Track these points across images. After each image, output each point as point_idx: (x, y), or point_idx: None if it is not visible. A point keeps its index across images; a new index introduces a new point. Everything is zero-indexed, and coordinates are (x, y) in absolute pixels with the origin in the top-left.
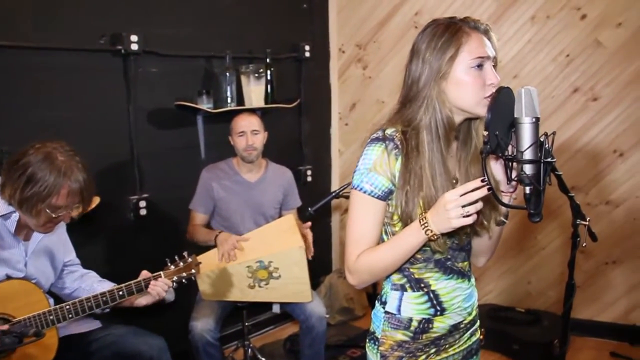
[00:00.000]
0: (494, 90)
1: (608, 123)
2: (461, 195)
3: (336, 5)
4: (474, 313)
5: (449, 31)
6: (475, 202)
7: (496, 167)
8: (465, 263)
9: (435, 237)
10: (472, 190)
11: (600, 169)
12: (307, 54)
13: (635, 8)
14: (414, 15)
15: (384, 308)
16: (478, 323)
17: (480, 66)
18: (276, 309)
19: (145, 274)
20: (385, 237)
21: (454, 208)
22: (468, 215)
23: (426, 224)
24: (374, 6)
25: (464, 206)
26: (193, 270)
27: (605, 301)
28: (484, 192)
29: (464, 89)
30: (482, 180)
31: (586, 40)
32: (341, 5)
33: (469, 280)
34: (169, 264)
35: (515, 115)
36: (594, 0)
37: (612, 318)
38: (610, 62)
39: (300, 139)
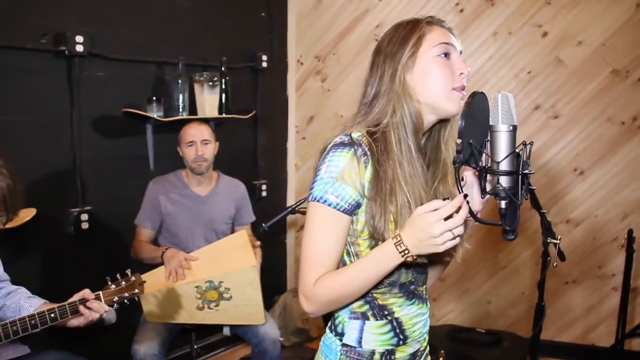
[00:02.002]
0: (464, 81)
1: (569, 141)
2: (446, 218)
3: (295, 15)
4: (427, 338)
5: (411, 24)
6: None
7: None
8: (424, 287)
9: (414, 259)
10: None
11: (560, 187)
12: (264, 64)
13: (595, 27)
14: (374, 28)
15: (340, 340)
16: (428, 347)
17: (447, 55)
18: (227, 331)
19: (83, 294)
20: (348, 259)
21: (442, 233)
22: (454, 237)
23: (406, 251)
24: (334, 18)
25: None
26: (136, 290)
27: (565, 321)
28: (466, 208)
29: (432, 80)
30: (465, 195)
31: (547, 58)
32: (301, 15)
33: (427, 304)
34: (110, 283)
35: (491, 123)
36: (555, 18)
37: (572, 338)
38: (571, 80)
39: (256, 152)
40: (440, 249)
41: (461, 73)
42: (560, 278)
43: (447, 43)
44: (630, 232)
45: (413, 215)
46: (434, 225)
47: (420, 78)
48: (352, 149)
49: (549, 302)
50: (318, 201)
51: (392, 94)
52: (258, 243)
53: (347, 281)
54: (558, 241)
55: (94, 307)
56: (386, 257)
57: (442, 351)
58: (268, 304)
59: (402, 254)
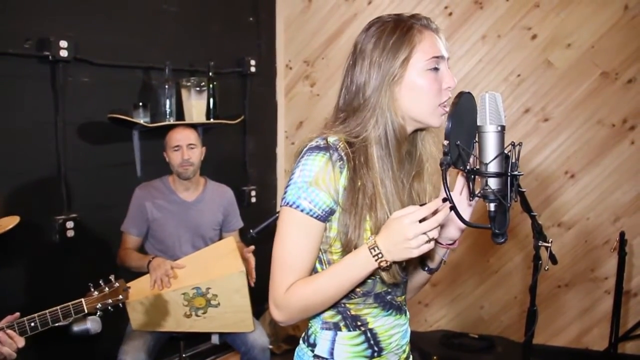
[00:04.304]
0: (450, 95)
1: (559, 144)
2: (421, 220)
3: (284, 20)
4: (407, 350)
5: (400, 30)
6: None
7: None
8: (403, 297)
9: (389, 266)
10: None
11: (552, 191)
12: (253, 69)
13: (584, 29)
14: None
15: (312, 351)
16: (411, 358)
17: (436, 68)
18: (215, 339)
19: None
20: (319, 266)
21: (416, 237)
22: (429, 240)
23: (380, 255)
24: (322, 22)
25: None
26: (120, 297)
27: (558, 325)
28: (446, 212)
29: (419, 95)
30: (444, 200)
31: (537, 61)
32: (289, 20)
33: (406, 315)
34: (92, 290)
35: (479, 124)
36: (544, 20)
37: (565, 342)
38: (560, 83)
39: (245, 158)
40: (415, 252)
41: (448, 87)
42: (553, 282)
43: (437, 57)
44: (622, 234)
45: (389, 219)
46: (408, 227)
47: (407, 91)
48: (328, 153)
49: (542, 306)
50: (291, 206)
51: (377, 107)
52: (251, 248)
53: (320, 288)
54: (549, 244)
55: (8, 340)
56: (360, 262)
57: (434, 357)
58: (258, 311)
59: (376, 258)
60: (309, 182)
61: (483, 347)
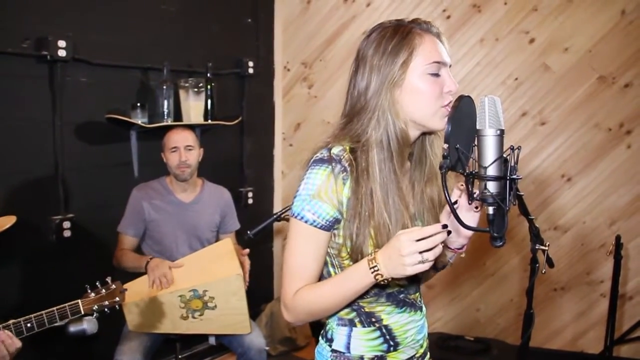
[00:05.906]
0: (451, 99)
1: (556, 147)
2: (418, 240)
3: (282, 21)
4: (425, 345)
5: (399, 33)
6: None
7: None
8: (417, 294)
9: (386, 281)
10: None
11: (548, 194)
12: (251, 71)
13: (582, 33)
14: (361, 34)
15: (330, 346)
16: (429, 354)
17: (436, 74)
18: (212, 340)
19: None
20: (332, 270)
21: (410, 255)
22: (423, 262)
23: (376, 268)
24: (321, 24)
25: (421, 252)
26: (117, 298)
27: (553, 328)
28: (444, 236)
29: (420, 98)
30: (444, 226)
31: (534, 64)
32: (287, 21)
33: (421, 311)
34: (89, 291)
35: (478, 127)
36: (542, 24)
37: (560, 345)
38: (557, 87)
39: (242, 159)
40: (408, 270)
41: (449, 91)
42: (549, 285)
43: (438, 62)
44: (618, 238)
45: (394, 236)
46: (403, 244)
47: (408, 95)
48: (330, 167)
49: (538, 309)
50: (296, 217)
51: (378, 109)
52: (246, 251)
53: (324, 295)
54: (546, 248)
55: (3, 338)
56: (359, 274)
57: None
58: (255, 313)
59: (372, 270)
60: (312, 195)
61: (479, 349)
